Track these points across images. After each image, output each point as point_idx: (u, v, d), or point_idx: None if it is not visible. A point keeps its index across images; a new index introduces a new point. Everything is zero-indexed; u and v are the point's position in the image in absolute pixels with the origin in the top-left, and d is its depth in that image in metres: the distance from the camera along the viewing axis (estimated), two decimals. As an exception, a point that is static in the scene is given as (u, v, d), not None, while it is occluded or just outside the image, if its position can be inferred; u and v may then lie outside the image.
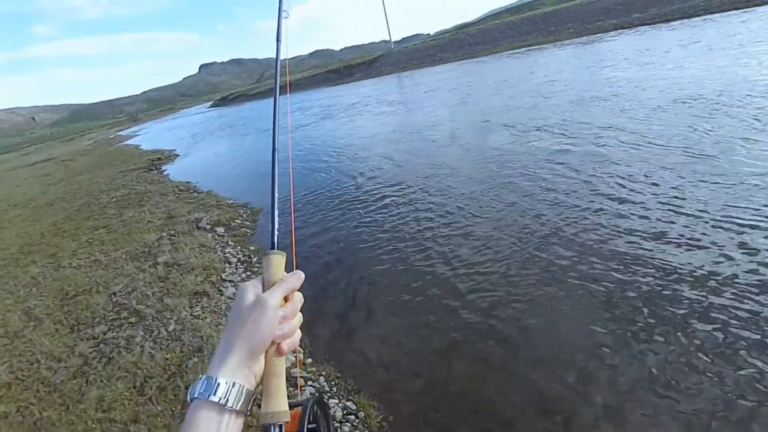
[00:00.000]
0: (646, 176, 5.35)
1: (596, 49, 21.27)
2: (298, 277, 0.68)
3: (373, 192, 7.52)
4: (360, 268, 4.99)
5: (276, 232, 0.75)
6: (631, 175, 5.51)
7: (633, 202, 4.79)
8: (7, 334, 4.96)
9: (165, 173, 15.74)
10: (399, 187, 7.45)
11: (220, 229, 7.20)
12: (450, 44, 42.91)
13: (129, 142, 40.27)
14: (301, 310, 0.67)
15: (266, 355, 0.61)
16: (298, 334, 0.65)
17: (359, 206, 6.98)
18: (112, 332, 4.23)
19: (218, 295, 4.69)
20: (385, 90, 28.12)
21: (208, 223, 7.37)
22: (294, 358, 2.82)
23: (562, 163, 6.61)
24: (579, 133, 7.89)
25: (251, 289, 0.63)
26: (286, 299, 0.65)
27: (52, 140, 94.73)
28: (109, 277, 5.83)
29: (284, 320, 0.62)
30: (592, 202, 5.08)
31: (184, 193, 11.02)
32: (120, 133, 66.14)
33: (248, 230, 7.20)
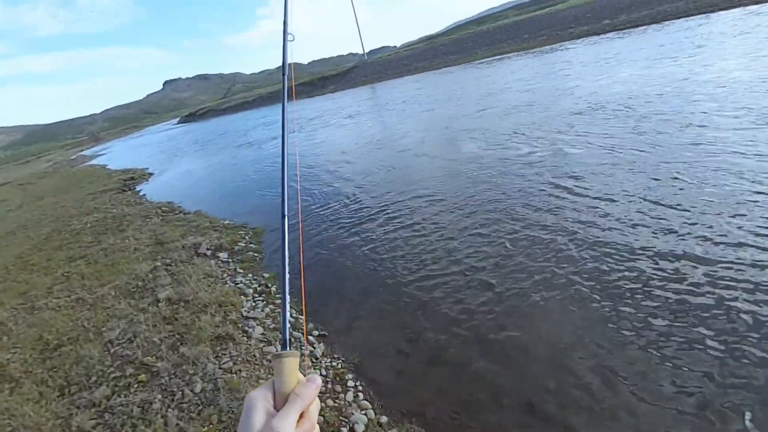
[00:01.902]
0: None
1: (563, 56, 21.54)
2: (316, 386, 0.60)
3: (375, 206, 6.89)
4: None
5: (288, 324, 0.70)
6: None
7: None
8: (-25, 402, 3.99)
9: (141, 193, 14.55)
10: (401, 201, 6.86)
11: (224, 255, 6.35)
12: (424, 54, 43.06)
13: (94, 162, 38.08)
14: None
15: None
16: None
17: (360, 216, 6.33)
18: (119, 396, 3.37)
19: (245, 339, 3.91)
20: (362, 101, 27.67)
21: (208, 249, 6.51)
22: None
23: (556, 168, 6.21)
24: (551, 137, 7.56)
25: (260, 409, 0.55)
26: (301, 415, 0.57)
27: (6, 163, 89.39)
28: (99, 319, 4.91)
29: None
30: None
31: (169, 214, 10.02)
32: (83, 153, 62.93)
33: (255, 254, 6.39)
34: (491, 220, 5.45)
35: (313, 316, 4.40)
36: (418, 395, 3.12)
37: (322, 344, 3.85)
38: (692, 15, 23.25)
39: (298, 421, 0.56)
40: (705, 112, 7.10)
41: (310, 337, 3.96)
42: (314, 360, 3.60)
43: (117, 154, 41.28)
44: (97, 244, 8.32)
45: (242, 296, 4.89)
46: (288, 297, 0.74)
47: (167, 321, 4.41)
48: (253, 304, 4.73)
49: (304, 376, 0.61)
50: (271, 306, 4.62)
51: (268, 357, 3.52)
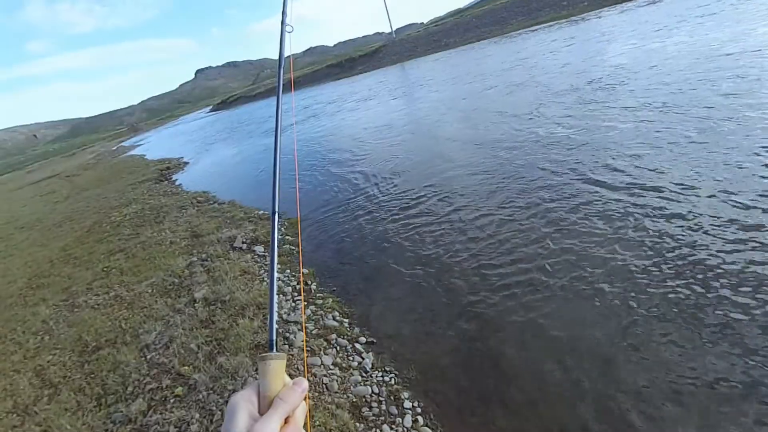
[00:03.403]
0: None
1: (609, 22, 19.73)
2: (302, 389, 0.59)
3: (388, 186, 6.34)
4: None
5: (275, 324, 0.69)
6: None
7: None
8: (17, 408, 3.87)
9: (177, 183, 14.63)
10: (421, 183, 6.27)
11: (259, 248, 6.05)
12: (455, 29, 41.26)
13: (133, 152, 39.30)
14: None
15: None
16: None
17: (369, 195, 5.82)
18: (155, 413, 3.09)
19: (286, 347, 3.55)
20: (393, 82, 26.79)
21: (244, 242, 6.22)
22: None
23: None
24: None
25: (243, 412, 0.53)
26: (286, 420, 0.55)
27: (54, 156, 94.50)
28: (137, 320, 4.71)
29: None
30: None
31: (203, 204, 9.88)
32: (123, 144, 65.33)
33: (292, 247, 6.05)
34: (534, 211, 4.83)
35: (359, 319, 3.99)
36: (490, 419, 2.66)
37: (371, 354, 3.44)
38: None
39: (283, 426, 0.55)
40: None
41: (357, 345, 3.55)
42: (364, 373, 3.19)
43: (154, 144, 42.44)
44: (136, 237, 8.27)
45: (281, 295, 4.54)
46: (276, 297, 0.72)
47: (204, 324, 4.12)
48: (293, 304, 4.37)
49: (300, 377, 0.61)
50: (313, 307, 4.24)
51: (314, 371, 3.15)
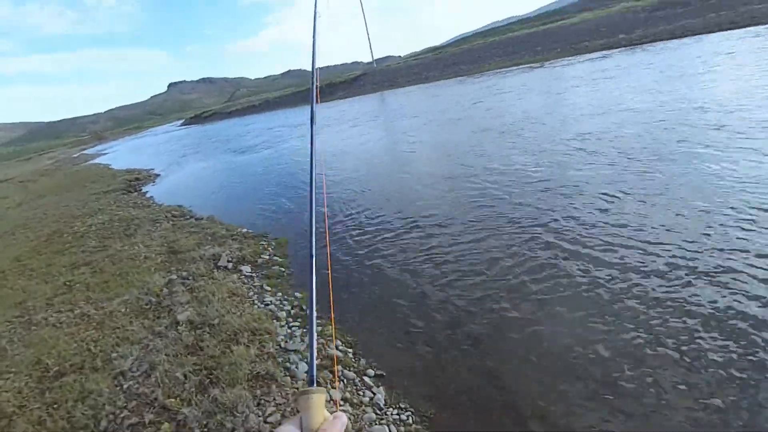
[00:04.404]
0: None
1: (584, 68, 21.02)
2: (342, 423, 0.61)
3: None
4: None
5: (314, 360, 0.71)
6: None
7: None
8: (-42, 445, 3.30)
9: (148, 195, 13.89)
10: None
11: (246, 268, 5.68)
12: (434, 63, 42.71)
13: (97, 160, 37.48)
14: None
15: None
16: None
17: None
18: (137, 454, 2.68)
19: (288, 379, 3.22)
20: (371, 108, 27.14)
21: (229, 261, 5.83)
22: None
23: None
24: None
25: None
26: None
27: (8, 160, 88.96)
28: (108, 343, 4.21)
29: None
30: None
31: (179, 219, 9.35)
32: (85, 151, 62.35)
33: (282, 269, 5.71)
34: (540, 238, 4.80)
35: (363, 349, 3.72)
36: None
37: (381, 388, 3.17)
38: (713, 32, 22.89)
39: None
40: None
41: (366, 378, 3.28)
42: (378, 411, 2.91)
43: (121, 154, 40.70)
44: (103, 250, 7.64)
45: (276, 320, 4.21)
46: (315, 333, 0.74)
47: (191, 350, 3.72)
48: (289, 331, 4.05)
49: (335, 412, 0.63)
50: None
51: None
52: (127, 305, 5.01)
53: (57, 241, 9.19)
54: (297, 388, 3.06)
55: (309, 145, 1.11)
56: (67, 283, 6.33)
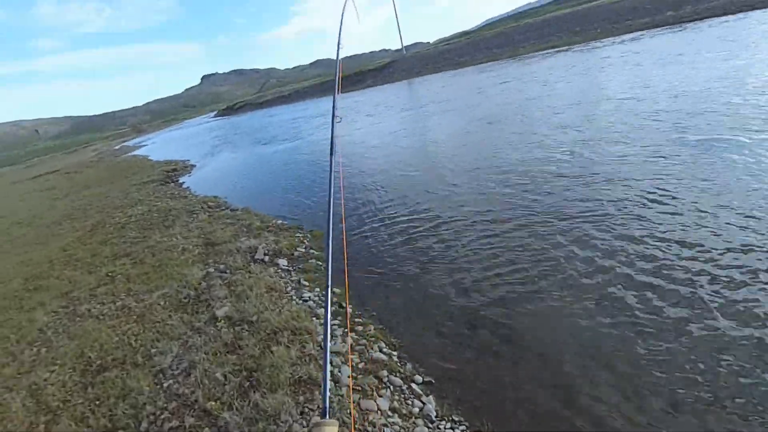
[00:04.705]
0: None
1: (631, 47, 19.65)
2: None
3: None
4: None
5: (328, 389, 0.78)
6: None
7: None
8: (6, 438, 3.32)
9: (184, 186, 14.14)
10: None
11: (283, 261, 5.55)
12: (466, 48, 41.48)
13: (137, 152, 38.87)
14: None
15: None
16: None
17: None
18: (178, 462, 2.56)
19: (332, 384, 3.03)
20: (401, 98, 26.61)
21: (265, 254, 5.72)
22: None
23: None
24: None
25: None
26: None
27: (55, 152, 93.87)
28: (148, 338, 4.17)
29: None
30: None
31: (215, 210, 9.39)
32: (126, 143, 64.93)
33: (319, 262, 5.55)
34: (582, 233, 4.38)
35: (409, 353, 3.49)
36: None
37: (431, 397, 2.93)
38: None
39: None
40: None
41: (414, 386, 3.04)
42: (430, 424, 2.67)
43: (158, 146, 42.03)
44: (143, 241, 7.74)
45: (315, 318, 4.03)
46: (329, 356, 0.78)
47: (230, 349, 3.60)
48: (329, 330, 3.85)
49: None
50: (353, 335, 3.73)
51: (370, 417, 2.64)
52: (166, 298, 4.98)
53: (100, 232, 9.44)
54: (341, 395, 2.86)
55: (331, 136, 0.99)
56: (110, 274, 6.42)
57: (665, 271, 3.61)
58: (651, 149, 6.39)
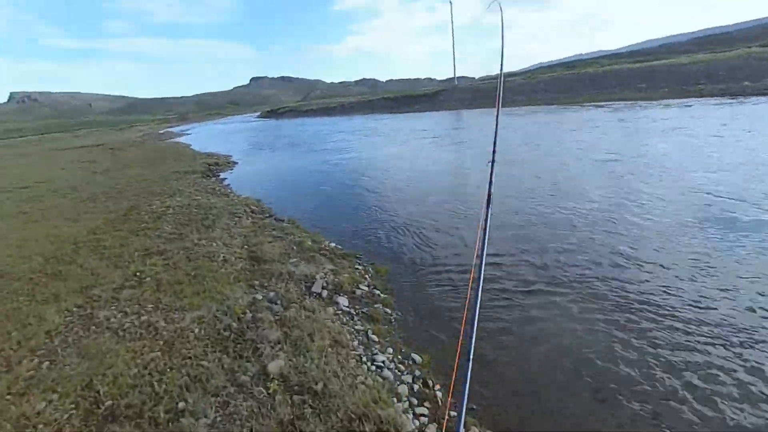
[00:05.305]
0: None
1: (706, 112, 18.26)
2: None
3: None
4: None
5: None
6: None
7: None
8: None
9: (226, 183, 13.52)
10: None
11: (344, 301, 4.55)
12: (521, 87, 40.67)
13: (180, 139, 39.34)
14: None
15: None
16: None
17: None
18: None
19: None
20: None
21: (323, 287, 4.74)
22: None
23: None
24: None
25: None
26: None
27: (103, 127, 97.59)
28: (176, 380, 3.20)
29: None
30: None
31: (259, 216, 8.57)
32: (170, 129, 66.49)
33: (387, 309, 4.51)
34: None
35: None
36: None
37: None
38: None
39: None
40: None
41: None
42: None
43: (201, 136, 42.49)
44: (179, 239, 6.93)
45: (395, 399, 2.99)
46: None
47: (284, 429, 2.58)
48: (417, 423, 2.80)
49: None
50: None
51: None
52: (202, 325, 4.04)
53: (134, 219, 8.73)
54: None
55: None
56: (138, 274, 5.58)
57: None
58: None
